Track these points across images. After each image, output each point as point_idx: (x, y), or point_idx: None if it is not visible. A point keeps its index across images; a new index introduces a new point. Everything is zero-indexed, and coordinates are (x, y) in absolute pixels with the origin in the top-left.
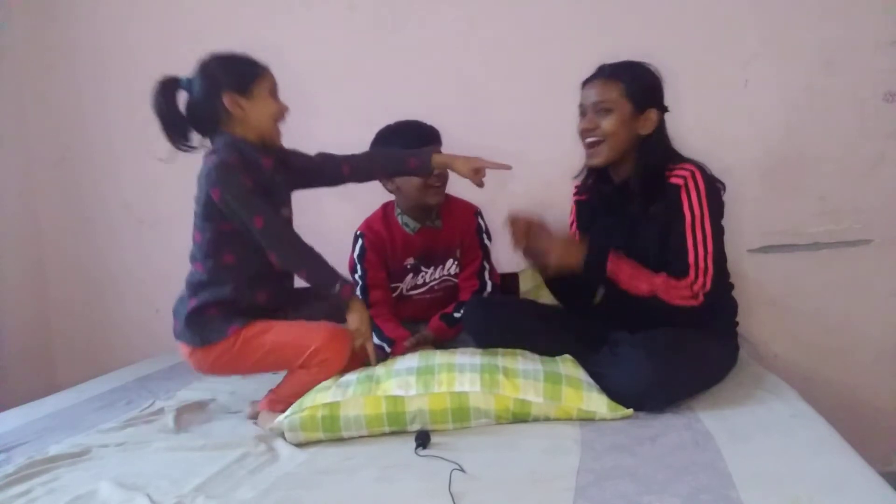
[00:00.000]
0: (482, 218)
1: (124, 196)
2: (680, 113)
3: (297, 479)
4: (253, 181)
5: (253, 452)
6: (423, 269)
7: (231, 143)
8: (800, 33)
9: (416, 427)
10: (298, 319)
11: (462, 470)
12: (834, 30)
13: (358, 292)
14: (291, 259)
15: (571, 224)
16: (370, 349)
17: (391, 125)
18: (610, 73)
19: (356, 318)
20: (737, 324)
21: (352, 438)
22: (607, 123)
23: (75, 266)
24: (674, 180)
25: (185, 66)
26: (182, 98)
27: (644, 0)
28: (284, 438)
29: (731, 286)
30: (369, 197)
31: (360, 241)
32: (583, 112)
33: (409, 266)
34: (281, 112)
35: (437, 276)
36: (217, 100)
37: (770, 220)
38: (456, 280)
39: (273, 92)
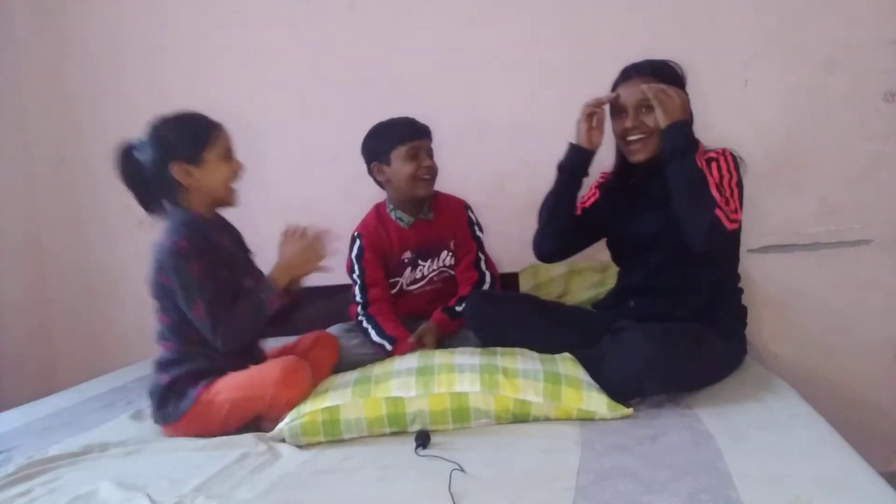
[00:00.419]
0: (472, 211)
1: (124, 198)
2: None
3: (297, 480)
4: (208, 263)
5: (253, 452)
6: (420, 262)
7: (185, 221)
8: (800, 33)
9: (416, 428)
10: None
11: (462, 470)
12: (834, 30)
13: (357, 292)
14: (237, 340)
15: (587, 197)
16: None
17: (384, 121)
18: (647, 72)
19: (286, 265)
20: (745, 326)
21: (352, 439)
22: (653, 119)
23: (75, 266)
24: (709, 155)
25: (185, 66)
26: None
27: (644, 0)
28: (285, 441)
29: (742, 291)
30: (372, 191)
31: (357, 242)
32: (618, 111)
33: (406, 260)
34: (234, 173)
35: (434, 267)
36: (166, 170)
37: (770, 220)
38: (453, 271)
39: (227, 154)
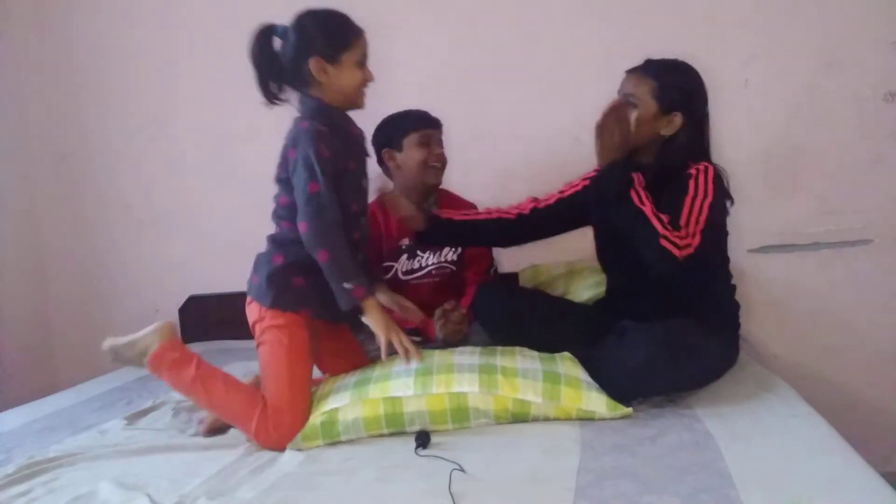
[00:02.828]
0: None
1: (124, 196)
2: None
3: (297, 480)
4: (338, 152)
5: (253, 452)
6: (419, 252)
7: (320, 109)
8: (800, 33)
9: (415, 428)
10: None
11: (462, 470)
12: (834, 30)
13: None
14: (320, 237)
15: (566, 190)
16: (403, 344)
17: (398, 111)
18: (648, 71)
19: (373, 320)
20: (738, 325)
21: (351, 439)
22: (630, 117)
23: (75, 266)
24: (688, 171)
25: (185, 67)
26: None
27: (644, 0)
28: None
29: (734, 288)
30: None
31: None
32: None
33: (403, 247)
34: (366, 81)
35: (434, 261)
36: (304, 61)
37: (770, 220)
38: (454, 267)
39: (362, 62)
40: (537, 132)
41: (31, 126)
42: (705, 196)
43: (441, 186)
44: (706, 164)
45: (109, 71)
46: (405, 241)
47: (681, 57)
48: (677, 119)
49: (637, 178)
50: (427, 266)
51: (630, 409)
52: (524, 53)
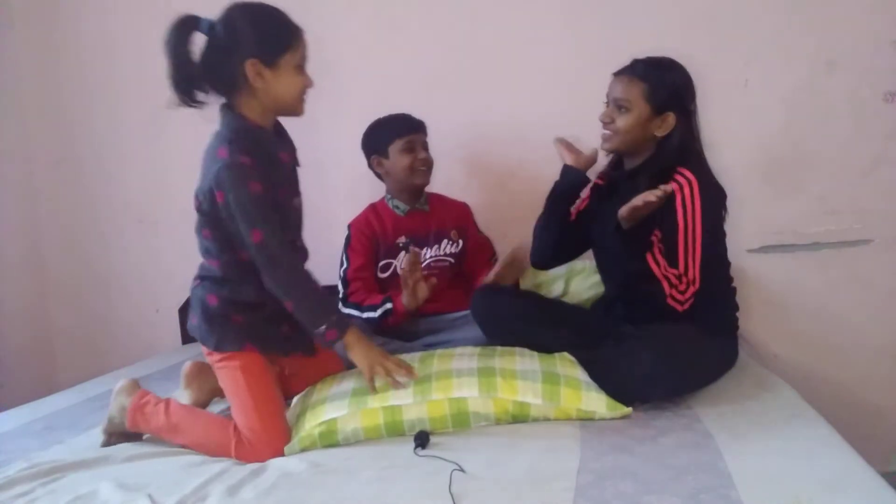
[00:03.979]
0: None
1: (124, 196)
2: None
3: (298, 480)
4: (267, 181)
5: None
6: (416, 248)
7: (242, 131)
8: (800, 33)
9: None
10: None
11: (462, 470)
12: (834, 30)
13: (339, 285)
14: (281, 286)
15: (578, 207)
16: (390, 374)
17: (382, 118)
18: (636, 73)
19: (354, 357)
20: (737, 327)
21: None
22: (621, 121)
23: (75, 266)
24: (672, 183)
25: None
26: (198, 41)
27: (644, 0)
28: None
29: (734, 290)
30: (372, 193)
31: (347, 233)
32: (606, 101)
33: (401, 244)
34: (305, 87)
35: (431, 255)
36: (237, 64)
37: (770, 220)
38: (452, 260)
39: (301, 65)
40: (537, 132)
41: (30, 126)
42: (695, 224)
43: (439, 190)
44: (688, 174)
45: (109, 71)
46: (402, 239)
47: (681, 56)
48: (670, 118)
49: (656, 238)
50: (425, 261)
51: (630, 409)
52: (524, 53)
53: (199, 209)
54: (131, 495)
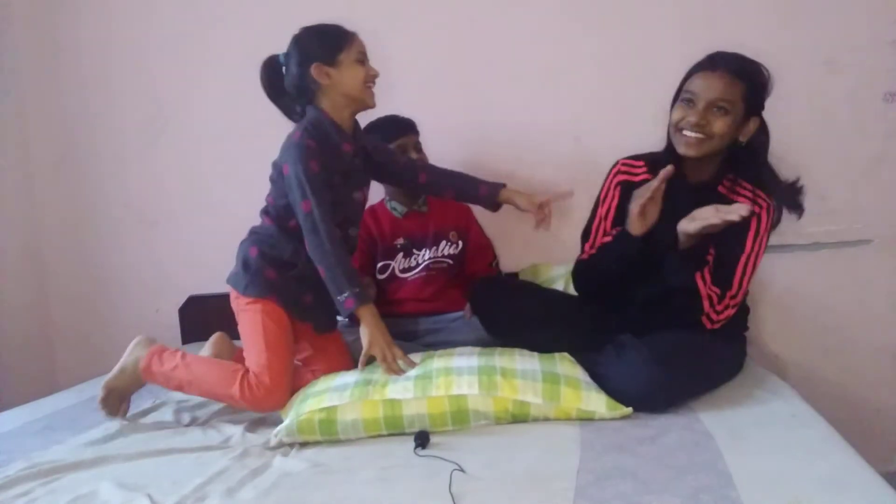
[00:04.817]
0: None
1: (124, 196)
2: None
3: (298, 480)
4: (326, 165)
5: (253, 452)
6: (414, 250)
7: (317, 122)
8: (800, 33)
9: (415, 430)
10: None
11: (462, 470)
12: (834, 30)
13: None
14: (317, 252)
15: (607, 203)
16: (386, 359)
17: (368, 124)
18: (736, 71)
19: (367, 330)
20: (747, 328)
21: (351, 439)
22: (721, 125)
23: (76, 266)
24: (752, 204)
25: (186, 67)
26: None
27: (644, 0)
28: (280, 444)
29: (747, 293)
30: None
31: None
32: (690, 101)
33: (399, 245)
34: (369, 76)
35: (429, 256)
36: (307, 71)
37: None
38: (451, 261)
39: (360, 58)
40: (537, 132)
41: (31, 126)
42: (758, 252)
43: None
44: (767, 200)
45: (110, 71)
46: (400, 241)
47: (681, 56)
48: (752, 124)
49: (710, 257)
50: (423, 262)
51: (630, 410)
52: (524, 54)
53: (271, 178)
54: (131, 495)
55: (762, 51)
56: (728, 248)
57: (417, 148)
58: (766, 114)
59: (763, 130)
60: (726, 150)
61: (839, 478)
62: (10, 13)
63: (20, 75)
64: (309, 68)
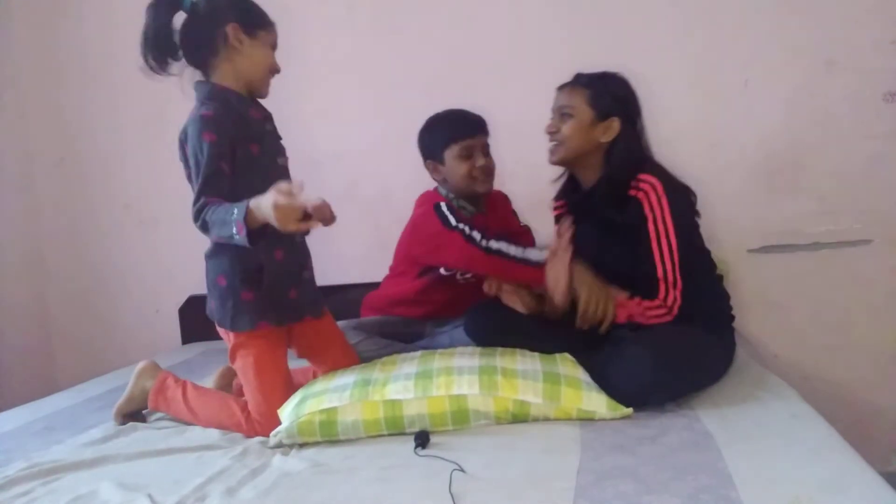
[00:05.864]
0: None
1: (124, 196)
2: (680, 113)
3: (298, 479)
4: (229, 135)
5: (253, 452)
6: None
7: (211, 94)
8: (800, 33)
9: (415, 430)
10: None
11: (462, 470)
12: (834, 30)
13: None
14: (205, 219)
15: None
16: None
17: (438, 114)
18: (579, 81)
19: (262, 212)
20: (733, 318)
21: (351, 439)
22: (566, 128)
23: (75, 267)
24: (634, 192)
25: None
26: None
27: (644, 0)
28: (279, 445)
29: (720, 278)
30: (373, 191)
31: (442, 207)
32: (552, 116)
33: None
34: (273, 68)
35: None
36: (219, 27)
37: (770, 220)
38: None
39: (274, 47)
40: (536, 132)
41: (30, 126)
42: (666, 229)
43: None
44: (649, 178)
45: (109, 70)
46: None
47: (682, 56)
48: (615, 124)
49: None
50: None
51: (630, 410)
52: (524, 54)
53: (188, 178)
54: (131, 495)
55: (762, 51)
56: (640, 247)
57: (485, 151)
58: (769, 113)
59: (629, 131)
60: (602, 152)
61: (839, 478)
62: (10, 13)
63: (20, 75)
64: (224, 24)
